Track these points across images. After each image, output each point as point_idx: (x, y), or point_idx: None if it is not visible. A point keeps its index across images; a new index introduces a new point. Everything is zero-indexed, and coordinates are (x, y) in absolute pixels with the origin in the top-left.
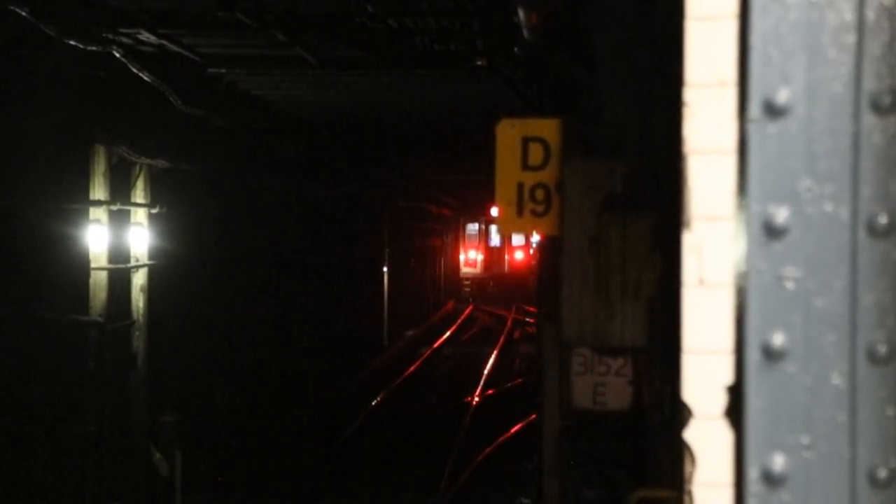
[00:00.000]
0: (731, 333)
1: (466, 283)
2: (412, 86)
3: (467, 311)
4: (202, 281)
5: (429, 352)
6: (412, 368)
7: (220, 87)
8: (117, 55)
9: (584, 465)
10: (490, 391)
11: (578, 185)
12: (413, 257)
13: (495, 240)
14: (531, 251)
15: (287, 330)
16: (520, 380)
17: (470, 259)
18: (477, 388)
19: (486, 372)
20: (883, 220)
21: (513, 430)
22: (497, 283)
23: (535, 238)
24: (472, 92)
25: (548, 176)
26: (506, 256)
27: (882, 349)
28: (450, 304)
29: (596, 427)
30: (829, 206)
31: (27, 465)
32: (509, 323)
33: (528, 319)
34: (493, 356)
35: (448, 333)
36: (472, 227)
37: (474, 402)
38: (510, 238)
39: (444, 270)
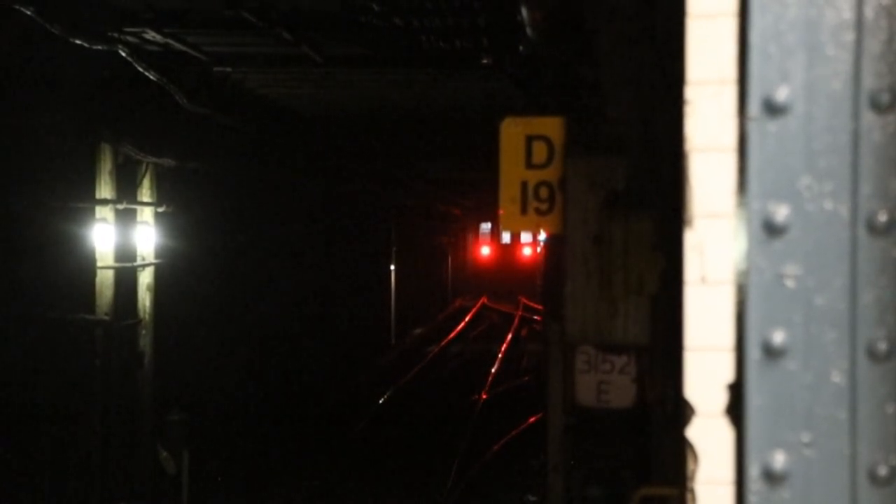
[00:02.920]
0: (732, 331)
1: (477, 278)
2: (418, 84)
3: (475, 309)
4: (208, 279)
5: (436, 349)
6: (419, 366)
7: (226, 85)
8: (123, 54)
9: (588, 463)
10: (498, 389)
11: (581, 182)
12: (421, 255)
13: (506, 238)
14: (538, 249)
15: (293, 328)
16: (527, 377)
17: (482, 256)
18: (485, 385)
19: (493, 370)
20: (882, 217)
21: (520, 427)
22: (507, 278)
23: (542, 236)
24: (479, 90)
25: (552, 174)
26: (519, 252)
27: (882, 346)
28: (458, 302)
29: (600, 425)
30: (828, 204)
31: (33, 464)
32: (516, 321)
33: (535, 317)
34: (501, 354)
35: (455, 332)
36: (485, 226)
37: (482, 400)
38: (519, 236)
39: (452, 268)
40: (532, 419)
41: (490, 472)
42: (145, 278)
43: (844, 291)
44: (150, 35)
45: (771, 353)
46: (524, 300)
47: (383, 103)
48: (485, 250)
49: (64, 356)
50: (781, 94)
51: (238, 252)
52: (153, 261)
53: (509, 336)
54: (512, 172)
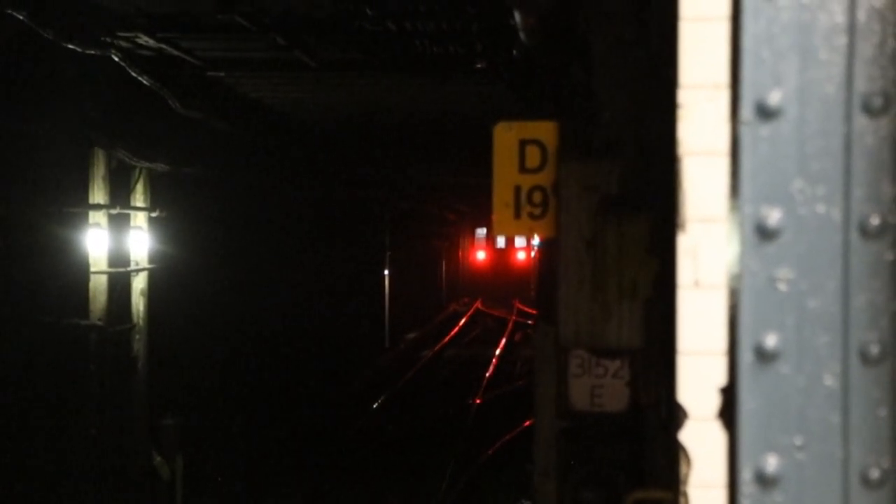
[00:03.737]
0: (725, 335)
1: (472, 283)
2: (412, 88)
3: (469, 313)
4: (202, 284)
5: (430, 354)
6: (413, 371)
7: (220, 90)
8: (116, 59)
9: (581, 467)
10: (492, 393)
11: (575, 186)
12: (415, 260)
13: (501, 242)
14: (532, 253)
15: (288, 333)
16: (521, 382)
17: (477, 260)
18: (479, 390)
19: (487, 374)
20: (875, 221)
21: (515, 431)
22: (501, 282)
23: (536, 240)
24: (473, 95)
25: (545, 178)
26: (513, 257)
27: (874, 350)
28: (452, 307)
29: (594, 429)
30: (821, 208)
31: (28, 468)
32: (510, 326)
33: (529, 321)
34: (495, 359)
35: (449, 336)
36: (480, 231)
37: (476, 404)
38: (514, 241)
39: (447, 273)
40: (527, 423)
41: (485, 476)
42: (139, 283)
43: (837, 295)
44: (143, 40)
45: (764, 356)
46: (518, 305)
47: (377, 108)
48: (480, 255)
49: (58, 361)
50: (774, 98)
51: (232, 257)
52: (147, 266)
53: (503, 340)
54: (505, 177)
